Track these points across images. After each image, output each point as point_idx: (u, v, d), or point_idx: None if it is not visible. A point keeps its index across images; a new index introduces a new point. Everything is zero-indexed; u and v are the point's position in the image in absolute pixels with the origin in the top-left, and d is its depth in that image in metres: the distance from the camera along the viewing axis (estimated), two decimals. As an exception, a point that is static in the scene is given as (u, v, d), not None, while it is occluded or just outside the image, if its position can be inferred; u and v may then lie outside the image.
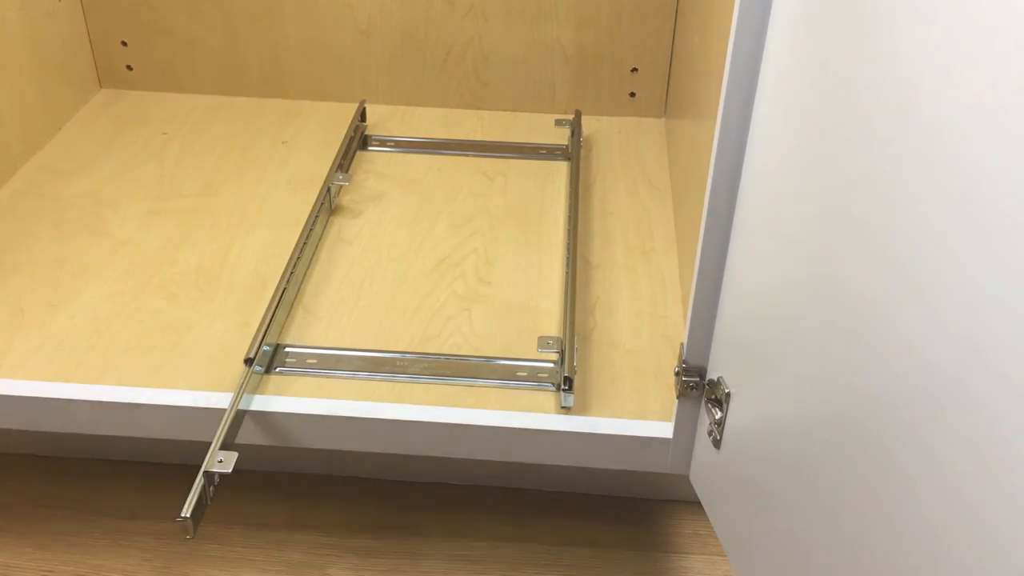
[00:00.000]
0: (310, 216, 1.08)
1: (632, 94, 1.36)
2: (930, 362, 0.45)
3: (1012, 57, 0.39)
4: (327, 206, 1.13)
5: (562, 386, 0.86)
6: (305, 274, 1.03)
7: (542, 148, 1.29)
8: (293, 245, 1.03)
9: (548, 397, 0.89)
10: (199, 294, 1.00)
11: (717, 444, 0.76)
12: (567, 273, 1.02)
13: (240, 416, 0.84)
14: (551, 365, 0.92)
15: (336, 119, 1.33)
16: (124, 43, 1.37)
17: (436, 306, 1.00)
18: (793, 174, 0.60)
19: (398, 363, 0.92)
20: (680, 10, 1.27)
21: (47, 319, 0.96)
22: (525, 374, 0.91)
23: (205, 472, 0.74)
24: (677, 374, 0.78)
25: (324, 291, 1.02)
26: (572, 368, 0.87)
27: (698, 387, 0.78)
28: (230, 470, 0.75)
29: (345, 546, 1.02)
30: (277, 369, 0.91)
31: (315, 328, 0.96)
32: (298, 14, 1.33)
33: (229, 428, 0.80)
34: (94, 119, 1.33)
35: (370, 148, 1.29)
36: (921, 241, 0.46)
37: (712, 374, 0.76)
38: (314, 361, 0.92)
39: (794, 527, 0.62)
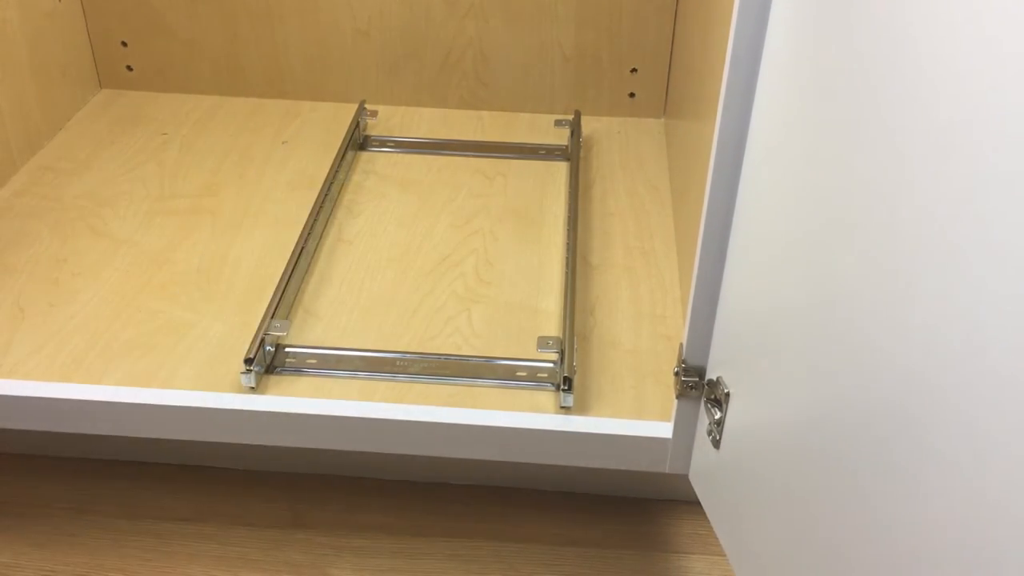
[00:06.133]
0: (310, 216, 1.08)
1: (632, 94, 1.36)
2: (930, 362, 0.45)
3: (1013, 57, 0.39)
4: (327, 206, 1.13)
5: (562, 386, 0.86)
6: (305, 274, 1.03)
7: (542, 148, 1.29)
8: (293, 245, 1.04)
9: (548, 397, 0.89)
10: (199, 294, 1.00)
11: (717, 444, 0.76)
12: (567, 273, 1.02)
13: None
14: (551, 365, 0.92)
15: (336, 119, 1.33)
16: (124, 43, 1.37)
17: (436, 306, 1.00)
18: (792, 174, 0.60)
19: (398, 363, 0.92)
20: (680, 10, 1.27)
21: (47, 319, 0.96)
22: (525, 374, 0.91)
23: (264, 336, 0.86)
24: (677, 374, 0.78)
25: (324, 291, 1.02)
26: (572, 368, 0.87)
27: (697, 387, 0.78)
28: (286, 333, 0.90)
29: (345, 546, 1.02)
30: (277, 369, 0.91)
31: (315, 328, 0.96)
32: (298, 14, 1.33)
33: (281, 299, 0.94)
34: (94, 119, 1.33)
35: (370, 148, 1.29)
36: (921, 240, 0.46)
37: (712, 374, 0.76)
38: (314, 361, 0.92)
39: (794, 527, 0.63)
